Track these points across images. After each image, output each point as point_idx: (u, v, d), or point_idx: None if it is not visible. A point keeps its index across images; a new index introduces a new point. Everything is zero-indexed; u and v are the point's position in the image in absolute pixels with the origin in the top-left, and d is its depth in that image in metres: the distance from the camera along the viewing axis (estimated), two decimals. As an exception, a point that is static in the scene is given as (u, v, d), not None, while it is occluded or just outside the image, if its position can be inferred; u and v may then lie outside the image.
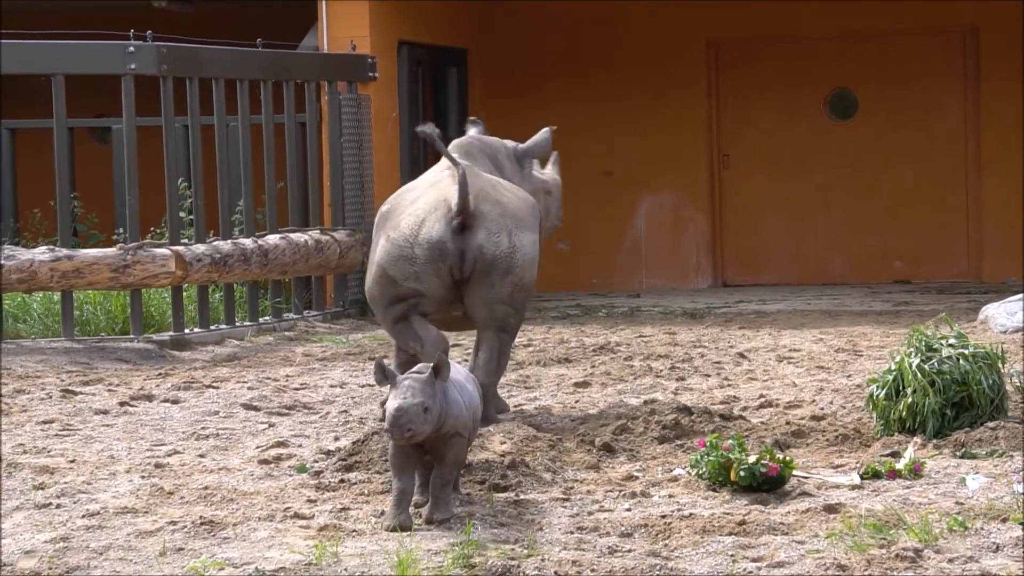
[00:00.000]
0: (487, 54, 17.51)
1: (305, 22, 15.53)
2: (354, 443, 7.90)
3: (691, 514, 6.53)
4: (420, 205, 8.78)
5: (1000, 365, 8.07)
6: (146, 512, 6.84)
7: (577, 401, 9.63)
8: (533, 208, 9.05)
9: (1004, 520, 6.31)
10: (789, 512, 6.56)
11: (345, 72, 14.92)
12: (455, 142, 9.62)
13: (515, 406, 9.49)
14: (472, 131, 10.04)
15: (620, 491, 7.06)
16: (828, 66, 17.22)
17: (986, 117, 16.89)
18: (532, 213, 8.98)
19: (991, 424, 7.77)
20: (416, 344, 8.69)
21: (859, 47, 17.17)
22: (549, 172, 10.41)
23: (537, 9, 17.44)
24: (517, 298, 8.78)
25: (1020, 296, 12.71)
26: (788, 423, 8.38)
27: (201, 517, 6.63)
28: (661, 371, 10.74)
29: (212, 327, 13.11)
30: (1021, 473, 7.05)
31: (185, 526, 6.53)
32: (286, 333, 13.44)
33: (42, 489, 7.29)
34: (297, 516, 6.70)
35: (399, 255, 8.67)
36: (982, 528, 6.21)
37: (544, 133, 10.09)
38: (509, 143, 10.00)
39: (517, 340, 12.76)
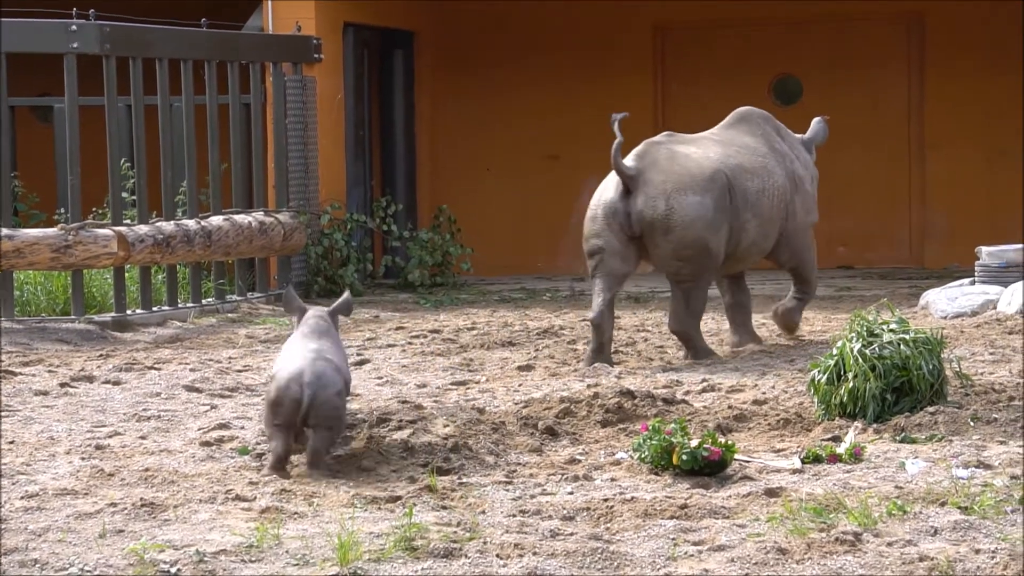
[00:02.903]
0: (434, 37, 17.47)
1: (251, 2, 15.45)
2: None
3: (633, 498, 6.55)
4: (609, 176, 10.45)
5: (940, 350, 8.12)
6: (86, 494, 6.80)
7: (520, 384, 9.63)
8: (715, 173, 10.40)
9: (943, 504, 6.36)
10: (730, 496, 6.59)
11: (290, 53, 14.86)
12: (738, 109, 11.23)
13: (459, 388, 9.49)
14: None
15: (563, 474, 7.07)
16: (773, 51, 17.28)
17: (930, 103, 17.00)
18: (711, 176, 10.38)
19: (931, 409, 7.82)
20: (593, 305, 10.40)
21: (805, 32, 17.24)
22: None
23: None
24: (683, 253, 10.28)
25: (960, 282, 12.81)
26: (730, 407, 8.42)
27: (142, 499, 6.60)
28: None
29: (154, 308, 13.04)
30: (960, 458, 7.10)
31: (125, 508, 6.50)
32: (229, 315, 13.39)
33: (-19, 470, 7.24)
34: (239, 498, 6.68)
35: (588, 215, 10.48)
36: (921, 512, 6.25)
37: (820, 122, 11.54)
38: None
39: (461, 323, 12.76)
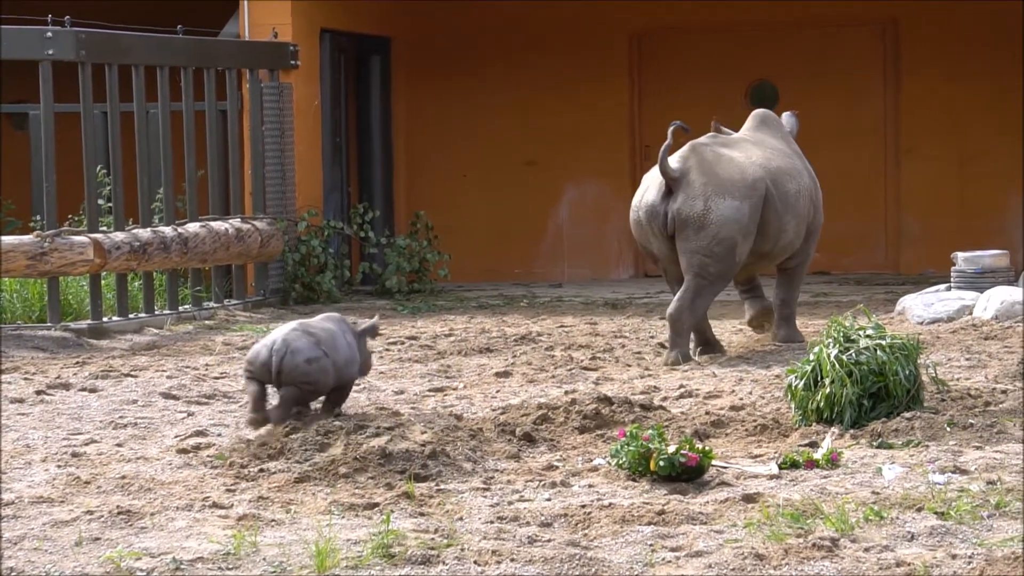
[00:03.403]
0: (410, 43, 17.47)
1: (227, 9, 15.43)
2: (273, 433, 7.86)
3: (611, 504, 6.55)
4: (648, 178, 10.85)
5: (917, 356, 8.14)
6: (62, 502, 6.78)
7: (498, 391, 9.63)
8: (756, 177, 10.70)
9: (919, 509, 6.37)
10: (708, 502, 6.60)
11: (267, 60, 14.85)
12: (755, 112, 11.62)
13: (436, 395, 9.48)
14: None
15: (540, 481, 7.08)
16: (749, 57, 17.31)
17: (905, 109, 17.05)
18: (753, 181, 10.68)
19: (907, 414, 7.84)
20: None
21: (781, 38, 17.28)
22: None
23: None
24: (713, 250, 10.55)
25: (936, 288, 12.84)
26: (708, 413, 8.43)
27: (118, 507, 6.58)
28: (582, 361, 10.76)
29: (131, 316, 13.01)
30: (936, 463, 7.12)
31: (102, 516, 6.48)
32: (206, 322, 13.36)
33: (-44, 479, 7.21)
34: (216, 506, 6.67)
35: (632, 219, 10.87)
36: (897, 517, 6.27)
37: (792, 116, 11.81)
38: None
39: (438, 329, 12.75)
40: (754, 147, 11.07)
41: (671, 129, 10.62)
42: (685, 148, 10.81)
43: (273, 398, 8.10)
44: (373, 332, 8.51)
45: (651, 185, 10.77)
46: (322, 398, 8.18)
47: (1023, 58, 16.38)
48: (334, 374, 8.05)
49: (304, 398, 8.03)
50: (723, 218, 10.56)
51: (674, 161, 10.71)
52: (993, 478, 6.83)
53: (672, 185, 10.61)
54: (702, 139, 11.00)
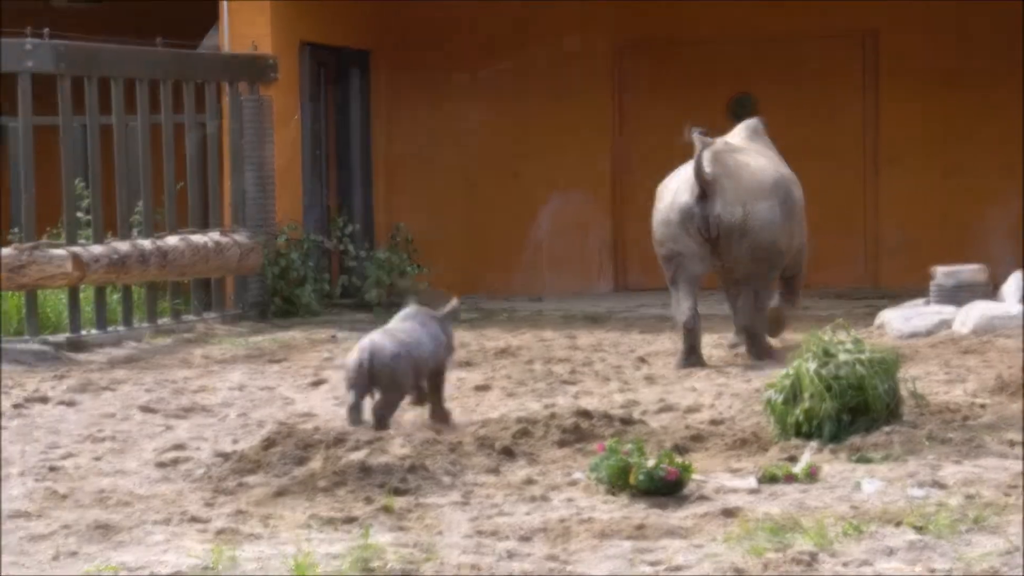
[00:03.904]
0: (390, 55, 17.47)
1: (206, 21, 15.42)
2: (252, 446, 7.84)
3: (590, 518, 6.55)
4: (677, 181, 11.06)
5: (896, 370, 8.15)
6: (39, 516, 6.76)
7: (477, 404, 9.62)
8: (777, 181, 11.08)
9: (898, 524, 6.38)
10: (687, 516, 6.60)
11: (246, 72, 14.83)
12: (746, 122, 11.90)
13: (415, 409, 9.47)
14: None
15: (519, 495, 7.07)
16: (731, 69, 17.34)
17: (884, 121, 17.09)
18: (775, 184, 11.04)
19: (886, 429, 7.85)
20: (677, 311, 10.99)
21: (761, 50, 17.31)
22: None
23: (441, 10, 17.43)
24: (758, 254, 10.92)
25: (915, 302, 12.87)
26: (687, 427, 8.43)
27: (96, 521, 6.56)
28: (561, 375, 10.76)
29: (109, 328, 12.98)
30: (915, 477, 7.13)
31: (79, 530, 6.46)
32: (185, 335, 13.33)
33: (-67, 493, 7.18)
34: (194, 520, 6.65)
35: (661, 219, 11.06)
36: (876, 532, 6.27)
37: (758, 122, 11.93)
38: None
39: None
40: (758, 155, 11.37)
41: (695, 134, 10.92)
42: (707, 153, 10.97)
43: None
44: (455, 315, 9.05)
45: (681, 187, 10.98)
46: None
47: (1006, 69, 16.44)
48: (423, 366, 8.55)
49: (394, 399, 8.47)
50: (761, 222, 10.91)
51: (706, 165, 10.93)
52: (972, 492, 6.84)
53: (707, 188, 10.84)
54: (717, 145, 11.20)
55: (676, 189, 11.06)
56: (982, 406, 8.70)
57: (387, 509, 6.77)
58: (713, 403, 9.37)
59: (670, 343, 12.28)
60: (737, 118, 17.25)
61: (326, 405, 9.63)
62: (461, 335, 13.25)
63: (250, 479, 7.28)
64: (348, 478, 7.21)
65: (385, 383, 8.40)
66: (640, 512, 6.68)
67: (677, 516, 6.60)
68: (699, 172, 10.83)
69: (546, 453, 7.91)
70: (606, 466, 7.05)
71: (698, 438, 8.15)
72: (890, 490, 6.96)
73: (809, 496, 6.90)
